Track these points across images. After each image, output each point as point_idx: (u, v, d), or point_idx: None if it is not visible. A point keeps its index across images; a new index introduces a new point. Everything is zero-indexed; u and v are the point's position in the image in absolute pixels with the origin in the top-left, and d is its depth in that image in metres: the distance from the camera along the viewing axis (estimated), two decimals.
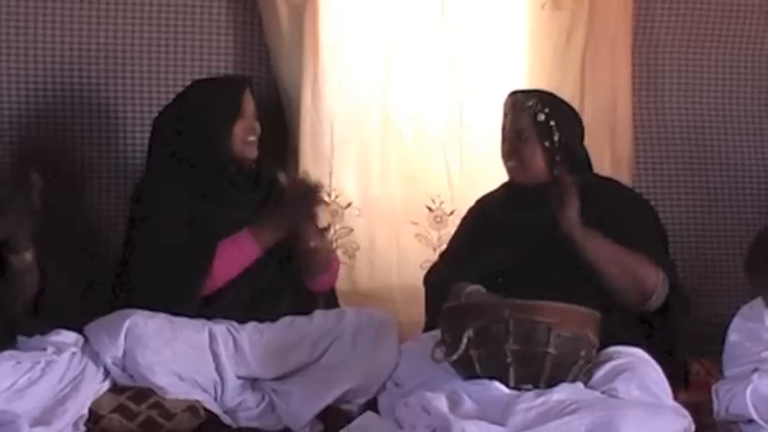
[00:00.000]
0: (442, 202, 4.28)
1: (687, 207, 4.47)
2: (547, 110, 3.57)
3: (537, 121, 3.55)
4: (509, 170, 3.63)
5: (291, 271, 3.59)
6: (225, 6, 4.10)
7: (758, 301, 3.34)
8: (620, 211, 3.54)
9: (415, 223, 4.27)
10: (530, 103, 3.58)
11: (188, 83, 3.75)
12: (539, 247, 3.47)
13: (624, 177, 4.24)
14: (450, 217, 4.22)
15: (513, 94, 3.64)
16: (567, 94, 4.20)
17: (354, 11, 4.21)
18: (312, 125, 4.14)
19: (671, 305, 3.46)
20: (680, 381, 3.44)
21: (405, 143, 4.28)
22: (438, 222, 4.26)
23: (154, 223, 3.48)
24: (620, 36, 4.35)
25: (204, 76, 3.93)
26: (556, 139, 3.55)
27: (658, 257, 3.47)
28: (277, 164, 3.85)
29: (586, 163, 3.68)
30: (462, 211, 3.91)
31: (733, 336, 3.33)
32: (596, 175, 3.75)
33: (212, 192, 3.54)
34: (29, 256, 3.29)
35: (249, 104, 3.60)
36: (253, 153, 3.60)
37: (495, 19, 4.32)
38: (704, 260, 4.46)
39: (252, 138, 3.59)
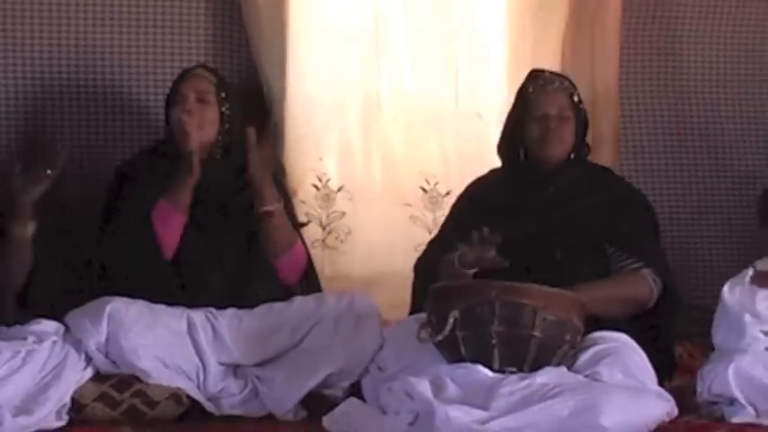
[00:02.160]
0: (436, 183, 4.25)
1: (668, 191, 4.43)
2: (577, 92, 3.63)
3: (573, 102, 3.60)
4: (544, 142, 3.55)
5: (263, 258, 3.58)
6: None
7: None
8: (614, 205, 3.56)
9: (409, 205, 4.24)
10: (566, 84, 3.62)
11: (167, 72, 3.81)
12: (533, 232, 3.47)
13: (608, 155, 4.22)
14: (446, 198, 4.18)
15: (541, 73, 3.66)
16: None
17: None
18: (298, 110, 4.11)
19: (661, 303, 3.48)
20: (666, 372, 3.43)
21: (396, 123, 4.25)
22: (433, 203, 4.23)
23: (115, 211, 3.59)
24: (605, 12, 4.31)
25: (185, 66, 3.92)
26: (581, 123, 3.61)
27: (649, 260, 3.49)
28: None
29: (587, 154, 3.70)
30: (458, 191, 3.89)
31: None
32: (594, 164, 3.76)
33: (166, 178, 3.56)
34: (31, 228, 3.33)
35: (188, 90, 3.60)
36: (188, 136, 3.53)
37: None
38: (686, 243, 4.43)
39: (184, 118, 3.55)
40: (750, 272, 3.36)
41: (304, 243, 3.72)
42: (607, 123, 4.29)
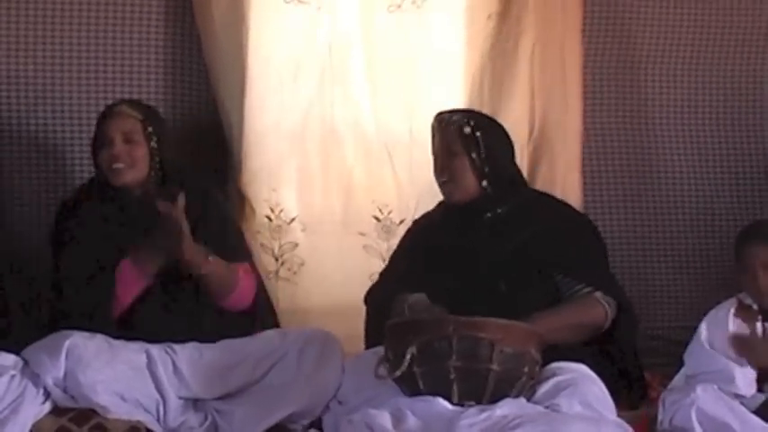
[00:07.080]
0: (390, 212, 4.25)
1: (626, 219, 4.45)
2: (472, 123, 3.57)
3: (463, 134, 3.55)
4: (442, 188, 3.61)
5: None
6: (163, 25, 4.06)
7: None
8: (559, 231, 3.57)
9: (363, 234, 4.23)
10: (455, 118, 3.59)
11: None
12: (475, 267, 3.49)
13: (576, 179, 4.26)
14: (400, 226, 4.18)
15: (439, 114, 3.65)
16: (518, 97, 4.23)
17: (291, 22, 4.18)
18: (252, 140, 4.10)
19: (618, 324, 3.51)
20: (638, 394, 3.48)
21: (350, 152, 4.25)
22: (387, 232, 4.23)
23: (67, 247, 3.52)
24: (569, 41, 4.33)
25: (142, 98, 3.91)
26: (483, 151, 3.54)
27: (600, 283, 3.52)
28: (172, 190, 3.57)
29: (518, 180, 3.68)
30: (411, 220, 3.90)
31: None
32: (533, 191, 3.78)
33: (106, 218, 3.53)
34: None
35: (114, 131, 3.54)
36: (119, 179, 3.53)
37: (442, 26, 4.31)
38: (645, 272, 4.45)
39: (116, 165, 3.53)
40: (734, 304, 3.43)
41: (253, 263, 3.68)
42: (573, 146, 4.32)
